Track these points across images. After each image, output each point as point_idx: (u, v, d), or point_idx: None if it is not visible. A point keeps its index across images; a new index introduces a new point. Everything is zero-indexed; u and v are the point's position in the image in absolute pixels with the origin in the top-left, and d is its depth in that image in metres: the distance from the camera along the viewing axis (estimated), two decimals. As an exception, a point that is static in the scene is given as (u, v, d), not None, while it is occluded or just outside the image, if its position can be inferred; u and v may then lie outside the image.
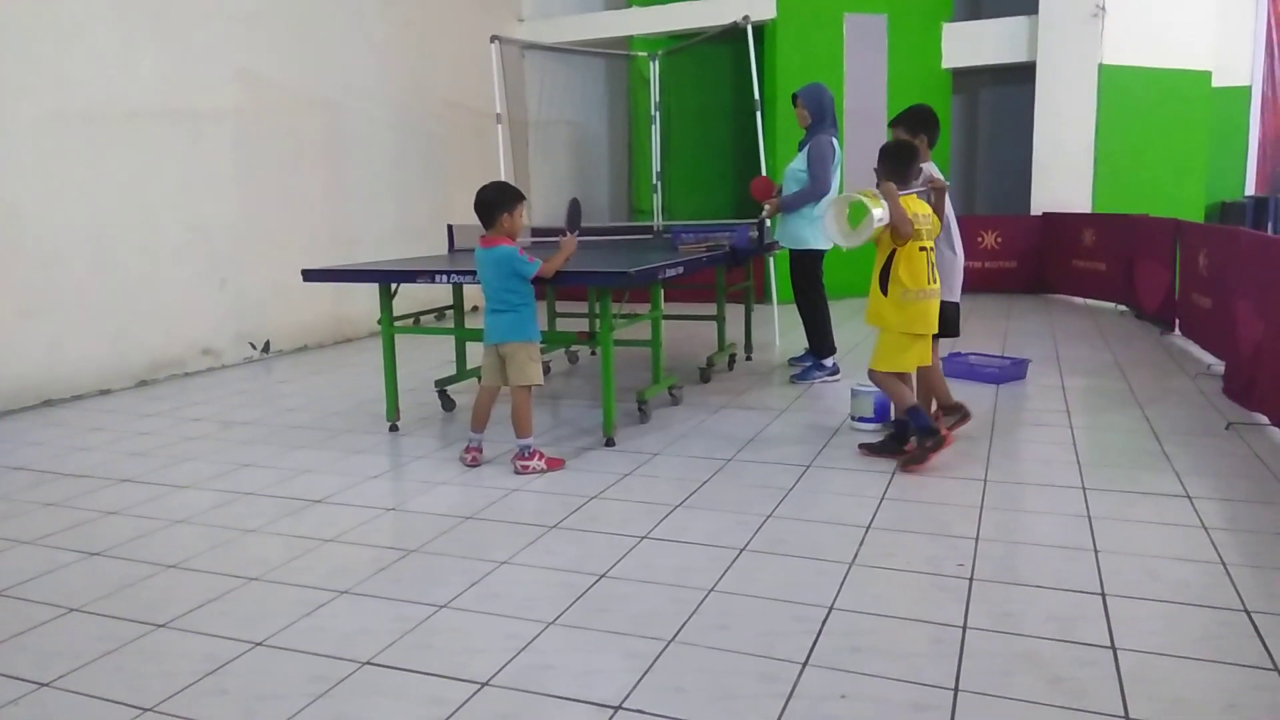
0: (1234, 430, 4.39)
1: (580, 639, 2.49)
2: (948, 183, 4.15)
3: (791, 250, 5.76)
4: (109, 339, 6.03)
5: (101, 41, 5.94)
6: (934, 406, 4.31)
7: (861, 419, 4.57)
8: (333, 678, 2.31)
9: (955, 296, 4.25)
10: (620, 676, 2.28)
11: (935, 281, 3.90)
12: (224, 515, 3.58)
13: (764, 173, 7.08)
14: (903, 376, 4.00)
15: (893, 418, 4.25)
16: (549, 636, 2.51)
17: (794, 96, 5.69)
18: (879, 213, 3.71)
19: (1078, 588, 2.72)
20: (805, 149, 5.61)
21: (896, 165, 3.90)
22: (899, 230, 3.76)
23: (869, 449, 4.14)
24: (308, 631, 2.57)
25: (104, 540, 3.33)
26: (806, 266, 5.75)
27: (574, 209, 4.39)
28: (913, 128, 4.20)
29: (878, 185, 3.87)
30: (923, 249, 3.83)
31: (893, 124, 4.32)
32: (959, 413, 4.34)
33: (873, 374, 4.04)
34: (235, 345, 7.00)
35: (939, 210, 4.01)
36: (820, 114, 5.58)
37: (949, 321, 4.18)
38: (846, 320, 8.05)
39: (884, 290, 3.87)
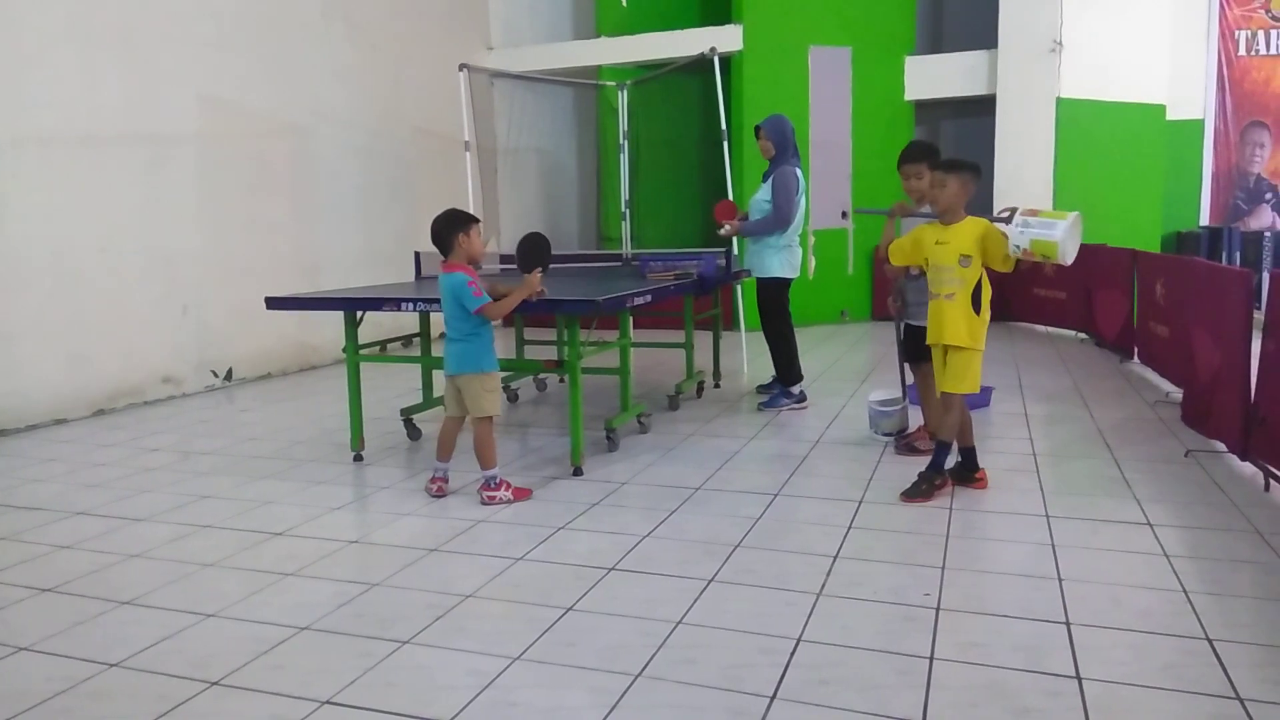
0: (1193, 457, 4.46)
1: (546, 674, 2.46)
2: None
3: (759, 279, 5.79)
4: (66, 367, 5.91)
5: (62, 65, 5.86)
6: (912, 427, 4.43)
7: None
8: (292, 718, 2.25)
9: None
10: (587, 713, 2.25)
11: None
12: (182, 549, 3.50)
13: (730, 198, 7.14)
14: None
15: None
16: (514, 672, 2.47)
17: (757, 129, 5.76)
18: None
19: (1043, 617, 2.74)
20: (770, 179, 5.67)
21: (973, 180, 3.93)
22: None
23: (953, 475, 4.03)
24: (266, 670, 2.51)
25: (56, 575, 3.24)
26: (773, 295, 5.78)
27: (531, 246, 4.13)
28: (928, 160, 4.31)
29: (1004, 213, 3.88)
30: None
31: (915, 160, 4.37)
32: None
33: (948, 397, 3.95)
34: (197, 373, 6.89)
35: None
36: (783, 145, 5.64)
37: None
38: (814, 348, 8.11)
39: (976, 309, 3.87)
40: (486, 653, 2.57)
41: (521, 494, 4.00)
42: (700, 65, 7.81)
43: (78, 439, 5.40)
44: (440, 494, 4.08)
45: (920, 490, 3.89)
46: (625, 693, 2.34)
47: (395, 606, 2.91)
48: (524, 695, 2.35)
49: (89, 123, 6.02)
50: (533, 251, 4.12)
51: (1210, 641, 2.56)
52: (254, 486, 4.32)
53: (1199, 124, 11.16)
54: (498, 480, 3.96)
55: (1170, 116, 10.02)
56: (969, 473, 4.04)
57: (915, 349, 4.61)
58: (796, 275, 5.79)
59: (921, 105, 10.57)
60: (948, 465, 3.99)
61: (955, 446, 4.05)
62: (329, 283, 7.61)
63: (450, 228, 3.92)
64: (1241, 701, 2.23)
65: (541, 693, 2.36)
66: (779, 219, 5.57)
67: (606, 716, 2.23)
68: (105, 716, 2.28)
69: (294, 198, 7.79)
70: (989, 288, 3.89)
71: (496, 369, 4.02)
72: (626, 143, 8.46)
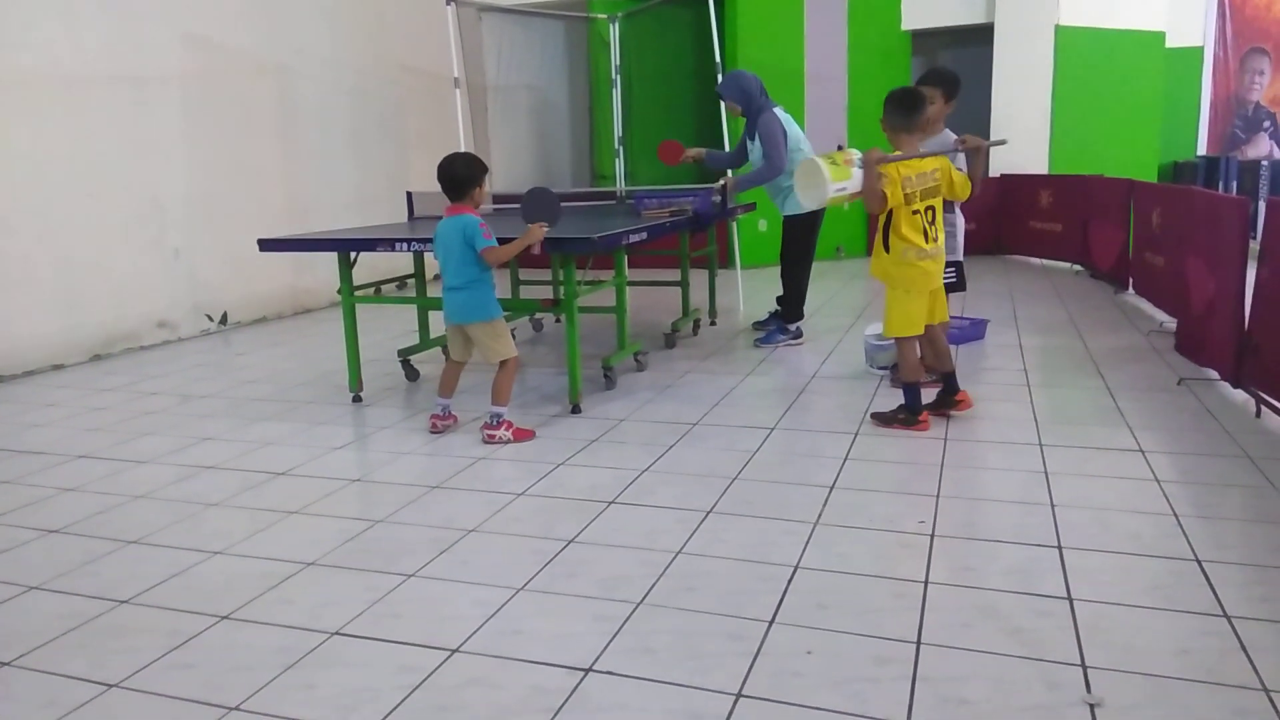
0: (1185, 385, 4.50)
1: (549, 603, 2.51)
2: (988, 141, 4.06)
3: (784, 216, 5.74)
4: (60, 312, 5.88)
5: (41, 5, 5.72)
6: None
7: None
8: (301, 649, 2.31)
9: (959, 255, 4.61)
10: (590, 639, 2.30)
11: (934, 241, 3.89)
12: (185, 490, 3.53)
13: (725, 138, 7.06)
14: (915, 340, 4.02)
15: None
16: (518, 602, 2.52)
17: (717, 93, 5.71)
18: (838, 185, 3.73)
19: (1035, 541, 2.79)
20: (757, 133, 5.57)
21: (897, 110, 3.88)
22: (867, 205, 3.81)
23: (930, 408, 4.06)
24: (274, 604, 2.56)
25: (63, 517, 3.28)
26: (798, 233, 5.72)
27: (539, 199, 4.06)
28: (942, 85, 4.39)
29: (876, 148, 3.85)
30: (916, 211, 3.83)
31: (924, 85, 4.38)
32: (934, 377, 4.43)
33: (894, 340, 4.09)
34: (191, 317, 6.87)
35: (975, 172, 3.99)
36: (748, 98, 5.54)
37: (957, 278, 4.55)
38: (809, 283, 8.09)
39: (886, 247, 3.88)
40: (491, 584, 2.62)
41: (523, 435, 4.02)
42: (693, -4, 7.65)
43: (76, 384, 5.41)
44: (438, 431, 4.11)
45: (895, 418, 3.97)
46: (627, 620, 2.39)
47: (399, 542, 2.96)
48: (529, 624, 2.40)
49: (70, 65, 5.90)
50: (540, 204, 4.04)
51: (1199, 562, 2.61)
52: (254, 428, 4.35)
53: (1198, 51, 11.02)
54: (501, 420, 3.98)
55: (1169, 44, 9.87)
56: (949, 396, 4.09)
57: None
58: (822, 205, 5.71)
59: (918, 35, 10.37)
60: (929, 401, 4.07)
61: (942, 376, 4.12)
62: (319, 225, 7.54)
63: (473, 178, 3.88)
64: (1229, 619, 2.29)
65: (546, 621, 2.41)
66: (772, 168, 5.49)
67: (609, 643, 2.28)
68: (119, 650, 2.33)
69: (282, 139, 7.68)
70: (900, 231, 3.82)
71: (500, 314, 4.02)
72: (619, 77, 8.32)
